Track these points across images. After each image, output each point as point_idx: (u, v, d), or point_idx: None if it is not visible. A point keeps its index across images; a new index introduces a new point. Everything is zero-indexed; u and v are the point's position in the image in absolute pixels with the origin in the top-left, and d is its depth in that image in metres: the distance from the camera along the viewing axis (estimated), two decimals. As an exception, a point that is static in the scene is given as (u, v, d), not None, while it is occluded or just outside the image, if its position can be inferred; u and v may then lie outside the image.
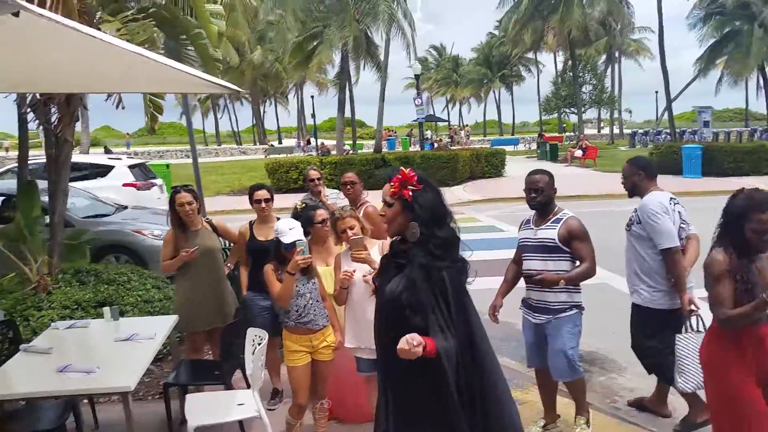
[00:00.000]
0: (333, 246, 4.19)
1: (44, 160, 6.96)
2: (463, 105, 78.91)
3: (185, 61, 10.28)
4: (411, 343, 2.24)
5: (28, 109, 6.34)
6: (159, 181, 14.68)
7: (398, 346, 2.26)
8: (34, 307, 5.49)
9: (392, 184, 2.50)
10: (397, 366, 2.39)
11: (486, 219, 13.88)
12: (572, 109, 44.19)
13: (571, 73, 43.40)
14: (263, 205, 4.60)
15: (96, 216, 8.54)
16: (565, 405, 4.02)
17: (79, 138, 29.46)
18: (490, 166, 23.42)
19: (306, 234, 3.75)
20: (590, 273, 3.68)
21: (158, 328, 4.22)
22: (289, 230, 3.59)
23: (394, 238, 2.62)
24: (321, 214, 4.14)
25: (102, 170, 12.57)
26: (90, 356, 3.88)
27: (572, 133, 48.56)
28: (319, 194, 5.60)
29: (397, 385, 2.50)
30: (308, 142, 46.51)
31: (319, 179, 5.67)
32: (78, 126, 30.99)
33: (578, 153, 27.93)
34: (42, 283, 5.84)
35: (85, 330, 4.35)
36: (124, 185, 12.27)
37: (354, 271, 3.52)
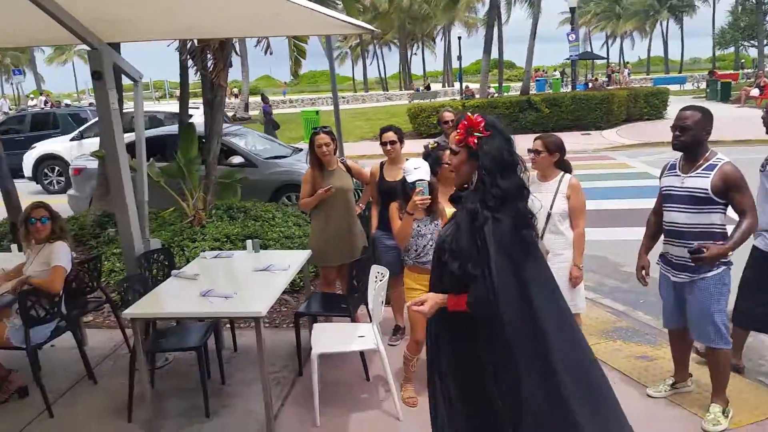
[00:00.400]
0: (460, 188, 4.13)
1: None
2: (625, 40, 72.80)
3: (328, 5, 10.57)
4: (416, 303, 2.28)
5: (188, 56, 6.85)
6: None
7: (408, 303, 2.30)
8: (189, 238, 6.07)
9: (458, 130, 2.32)
10: (435, 318, 2.37)
11: (639, 165, 12.90)
12: (752, 42, 39.02)
13: (753, 0, 38.10)
14: (389, 147, 4.64)
15: (275, 157, 9.22)
16: (699, 364, 3.71)
17: (240, 86, 31.58)
18: (649, 107, 21.45)
19: (434, 174, 3.73)
20: (754, 228, 3.23)
21: (292, 261, 4.45)
22: (414, 169, 3.58)
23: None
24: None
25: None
26: (230, 283, 4.19)
27: (750, 70, 42.98)
28: None
29: (437, 337, 2.45)
30: (427, 88, 44.25)
31: (453, 121, 5.60)
32: (239, 75, 32.89)
33: (755, 92, 24.63)
34: (197, 217, 6.43)
35: (229, 260, 4.70)
36: None
37: None
